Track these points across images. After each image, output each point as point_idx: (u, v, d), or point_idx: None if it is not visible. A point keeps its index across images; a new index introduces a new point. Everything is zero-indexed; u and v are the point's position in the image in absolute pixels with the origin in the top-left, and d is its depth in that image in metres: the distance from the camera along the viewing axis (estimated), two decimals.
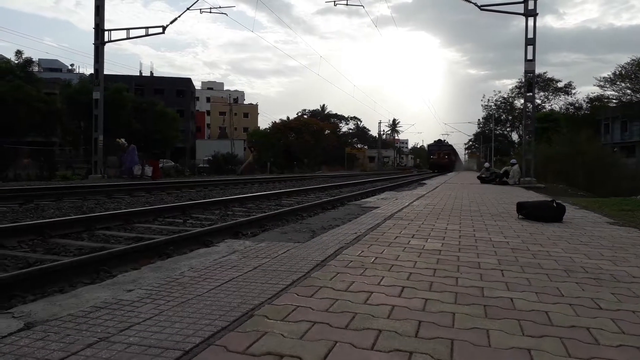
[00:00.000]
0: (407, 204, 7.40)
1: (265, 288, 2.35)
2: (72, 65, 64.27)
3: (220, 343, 1.65)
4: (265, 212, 7.30)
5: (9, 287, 3.04)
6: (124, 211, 6.66)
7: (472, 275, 2.76)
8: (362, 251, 3.37)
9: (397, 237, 4.07)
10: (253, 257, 3.13)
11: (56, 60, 61.02)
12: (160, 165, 24.41)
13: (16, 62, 33.99)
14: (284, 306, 2.07)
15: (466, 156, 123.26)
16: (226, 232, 5.32)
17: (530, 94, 18.67)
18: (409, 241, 3.87)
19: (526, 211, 5.83)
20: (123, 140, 21.41)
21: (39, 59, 52.34)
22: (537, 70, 18.97)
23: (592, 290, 2.49)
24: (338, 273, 2.69)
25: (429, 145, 60.42)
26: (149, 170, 21.40)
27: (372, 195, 11.30)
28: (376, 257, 3.16)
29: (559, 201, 6.38)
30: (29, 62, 34.23)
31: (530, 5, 17.24)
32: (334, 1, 21.26)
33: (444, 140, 58.88)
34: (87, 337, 1.68)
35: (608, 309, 2.17)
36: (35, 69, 39.99)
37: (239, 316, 1.92)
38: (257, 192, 11.68)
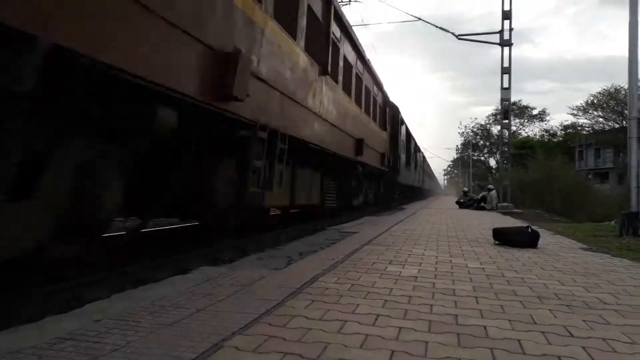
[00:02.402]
0: (385, 229, 7.41)
1: (238, 317, 2.30)
2: None
3: None
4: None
5: None
6: None
7: (447, 302, 2.76)
8: (339, 278, 3.35)
9: (374, 263, 4.06)
10: (228, 285, 3.08)
11: None
12: None
13: None
14: (256, 336, 2.03)
15: (445, 181, 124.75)
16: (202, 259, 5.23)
17: (507, 121, 19.11)
18: (386, 267, 3.86)
19: (502, 237, 5.89)
20: None
21: None
22: (514, 98, 19.57)
23: (564, 318, 2.51)
24: (313, 301, 2.66)
25: None
26: None
27: (352, 220, 11.30)
28: (352, 284, 3.14)
29: (534, 227, 6.48)
30: None
31: (506, 36, 17.80)
32: None
33: None
34: None
35: (579, 337, 2.19)
36: None
37: (208, 347, 1.88)
38: None
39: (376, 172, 15.29)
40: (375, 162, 14.28)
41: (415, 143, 30.03)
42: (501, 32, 17.81)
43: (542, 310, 2.66)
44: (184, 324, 2.19)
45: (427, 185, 50.58)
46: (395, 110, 19.08)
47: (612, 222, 13.04)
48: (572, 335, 2.21)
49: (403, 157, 20.94)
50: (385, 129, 16.52)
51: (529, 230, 5.89)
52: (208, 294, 2.81)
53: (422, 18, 18.57)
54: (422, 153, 39.30)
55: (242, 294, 2.81)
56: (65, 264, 3.76)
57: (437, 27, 18.53)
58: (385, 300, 2.73)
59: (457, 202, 19.87)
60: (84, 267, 4.02)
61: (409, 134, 24.77)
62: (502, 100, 18.40)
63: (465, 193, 21.11)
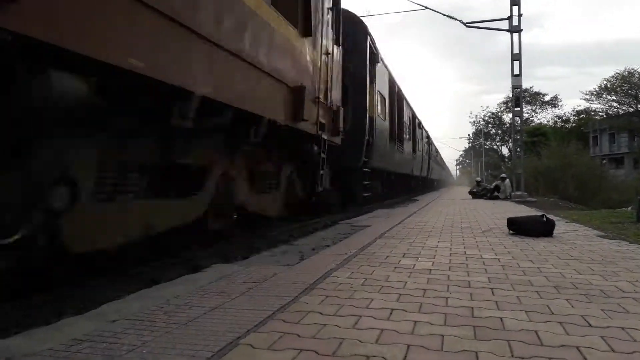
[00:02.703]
0: (398, 221, 7.38)
1: (252, 315, 2.31)
2: None
3: None
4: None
5: None
6: None
7: (462, 294, 2.73)
8: (352, 272, 3.34)
9: (387, 256, 4.04)
10: (241, 282, 3.09)
11: None
12: None
13: None
14: (270, 334, 2.03)
15: (457, 171, 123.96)
16: (215, 256, 5.25)
17: (518, 108, 18.87)
18: (400, 261, 3.84)
19: (516, 226, 5.83)
20: None
21: None
22: (525, 85, 19.30)
23: (581, 307, 2.47)
24: (327, 296, 2.66)
25: None
26: None
27: (364, 214, 11.27)
28: (366, 279, 3.13)
29: (549, 215, 6.40)
30: None
31: (515, 22, 17.54)
32: None
33: None
34: None
35: (598, 326, 2.15)
36: None
37: (223, 345, 1.88)
38: None
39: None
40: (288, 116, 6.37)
41: (414, 114, 22.37)
42: (510, 18, 17.55)
43: (559, 300, 2.62)
44: (198, 323, 2.19)
45: (437, 175, 44.52)
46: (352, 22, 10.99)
47: (629, 209, 12.85)
48: (590, 325, 2.17)
49: (383, 122, 13.53)
50: (322, 49, 7.65)
51: (544, 218, 5.82)
52: (221, 291, 2.82)
53: (428, 7, 18.32)
54: (427, 132, 31.25)
55: (255, 291, 2.81)
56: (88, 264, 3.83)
57: (444, 15, 18.31)
58: (400, 294, 2.72)
59: (470, 192, 19.73)
60: (100, 269, 4.07)
61: (399, 95, 17.52)
62: (513, 87, 18.16)
63: (478, 183, 20.91)
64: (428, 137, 32.61)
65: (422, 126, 26.54)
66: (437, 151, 47.00)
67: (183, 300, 2.63)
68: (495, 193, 17.43)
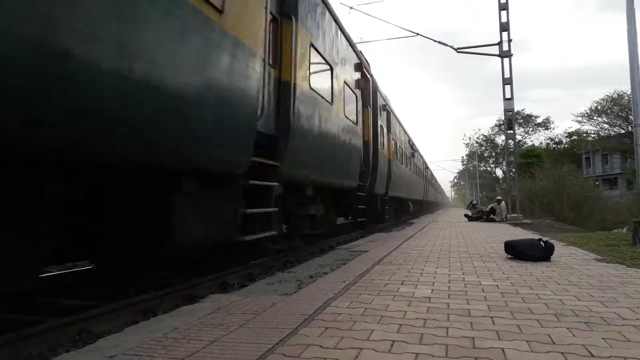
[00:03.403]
0: (395, 246, 7.36)
1: (252, 348, 2.28)
2: None
3: None
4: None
5: None
6: None
7: (462, 324, 2.72)
8: (351, 302, 3.31)
9: (386, 284, 4.02)
10: (239, 313, 3.06)
11: None
12: None
13: None
14: None
15: (452, 193, 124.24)
16: (211, 284, 5.21)
17: (511, 131, 19.07)
18: (399, 288, 3.82)
19: (514, 251, 5.83)
20: None
21: None
22: (517, 107, 19.56)
23: (583, 336, 2.46)
24: (326, 328, 2.63)
25: None
26: None
27: (361, 238, 11.24)
28: (365, 309, 3.10)
29: (547, 238, 6.40)
30: None
31: (505, 47, 17.87)
32: None
33: None
34: None
35: (600, 356, 2.14)
36: None
37: None
38: None
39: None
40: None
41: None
42: (500, 43, 17.89)
43: (560, 328, 2.61)
44: (198, 358, 2.16)
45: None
46: None
47: (624, 230, 12.91)
48: (592, 355, 2.16)
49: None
50: None
51: (542, 243, 5.83)
52: (220, 324, 2.79)
53: (420, 33, 18.65)
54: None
55: (254, 323, 2.78)
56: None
57: (436, 41, 18.65)
58: (400, 325, 2.70)
59: (466, 215, 19.75)
60: (92, 299, 4.02)
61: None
62: (506, 110, 18.39)
63: (473, 205, 20.94)
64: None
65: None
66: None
67: (181, 333, 2.60)
68: (491, 215, 17.45)
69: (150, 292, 4.47)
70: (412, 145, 23.37)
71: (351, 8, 18.00)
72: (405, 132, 21.18)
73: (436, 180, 59.53)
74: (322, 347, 2.29)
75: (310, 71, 6.81)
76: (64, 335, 3.43)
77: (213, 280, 5.35)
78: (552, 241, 6.41)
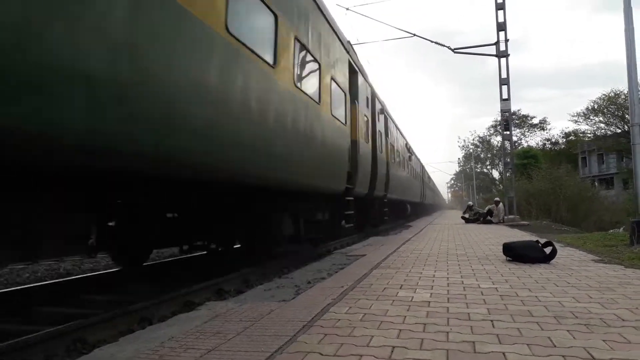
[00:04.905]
0: (393, 250, 7.34)
1: (250, 357, 2.25)
2: None
3: None
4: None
5: None
6: None
7: (462, 328, 2.70)
8: (350, 307, 3.29)
9: (385, 288, 3.99)
10: (236, 320, 3.03)
11: None
12: None
13: None
14: None
15: (449, 195, 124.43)
16: (208, 291, 5.17)
17: (508, 132, 19.09)
18: (397, 293, 3.80)
19: (512, 253, 5.82)
20: None
21: None
22: (514, 107, 19.56)
23: (583, 338, 2.44)
24: (326, 335, 2.60)
25: None
26: None
27: (358, 242, 11.22)
28: (364, 314, 3.08)
29: (548, 240, 6.38)
30: None
31: (502, 47, 17.90)
32: None
33: None
34: None
35: (601, 359, 2.13)
36: None
37: None
38: None
39: None
40: None
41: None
42: (497, 43, 17.93)
43: (560, 331, 2.60)
44: None
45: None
46: None
47: (621, 230, 12.93)
48: (593, 358, 2.14)
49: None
50: None
51: (541, 244, 5.82)
52: (217, 332, 2.75)
53: (416, 34, 18.68)
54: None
55: (252, 330, 2.75)
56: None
57: (432, 41, 18.68)
58: (400, 330, 2.67)
59: (463, 217, 19.73)
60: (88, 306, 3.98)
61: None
62: (502, 111, 18.42)
63: (470, 207, 20.92)
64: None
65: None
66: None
67: (178, 342, 2.57)
68: (489, 217, 17.46)
69: (146, 300, 4.44)
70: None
71: (347, 9, 18.01)
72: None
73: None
74: (321, 354, 2.26)
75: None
76: (59, 346, 3.39)
77: (209, 287, 5.31)
78: (553, 242, 6.39)
